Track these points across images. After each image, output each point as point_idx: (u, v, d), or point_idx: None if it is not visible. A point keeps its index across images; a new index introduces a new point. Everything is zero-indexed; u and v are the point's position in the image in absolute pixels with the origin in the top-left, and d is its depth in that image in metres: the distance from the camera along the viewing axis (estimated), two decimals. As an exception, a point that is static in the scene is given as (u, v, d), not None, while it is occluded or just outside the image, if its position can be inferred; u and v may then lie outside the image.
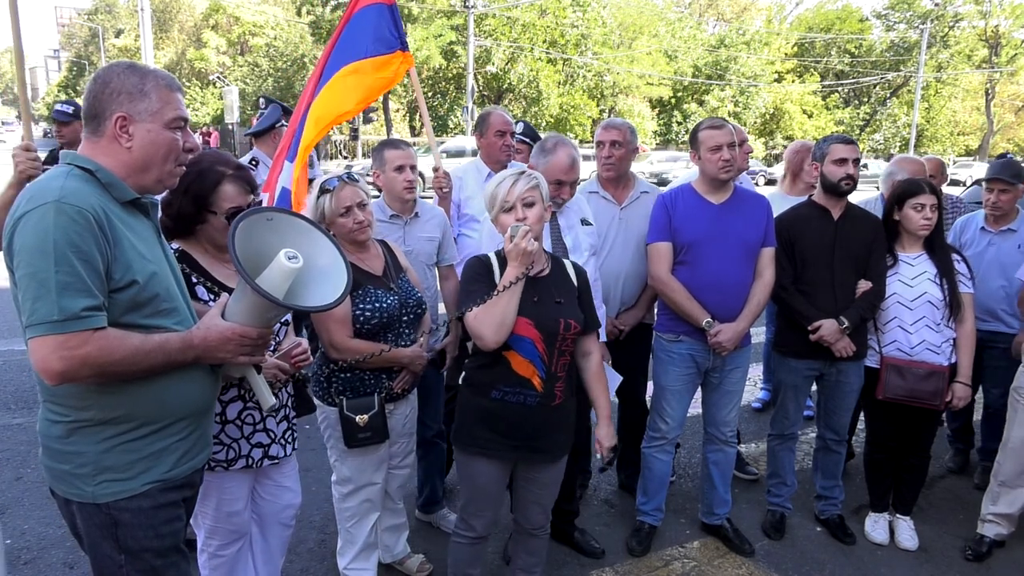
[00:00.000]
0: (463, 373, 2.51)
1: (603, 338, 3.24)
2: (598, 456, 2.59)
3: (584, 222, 3.11)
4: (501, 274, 2.38)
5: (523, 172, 2.40)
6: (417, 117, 35.03)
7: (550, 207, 2.47)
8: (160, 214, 1.97)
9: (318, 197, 2.55)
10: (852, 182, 3.22)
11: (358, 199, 2.58)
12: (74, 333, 1.51)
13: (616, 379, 3.31)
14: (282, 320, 2.41)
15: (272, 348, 2.36)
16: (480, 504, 2.49)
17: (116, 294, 1.59)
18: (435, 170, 3.60)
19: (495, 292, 2.28)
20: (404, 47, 3.80)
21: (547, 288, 2.41)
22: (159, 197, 1.91)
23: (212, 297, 2.16)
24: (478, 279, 2.40)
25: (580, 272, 2.56)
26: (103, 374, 1.58)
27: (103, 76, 1.67)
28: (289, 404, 2.48)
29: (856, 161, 3.22)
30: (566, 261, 2.58)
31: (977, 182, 9.49)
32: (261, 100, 5.28)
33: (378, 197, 3.14)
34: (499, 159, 3.71)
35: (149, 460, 1.70)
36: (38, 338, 1.51)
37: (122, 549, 1.69)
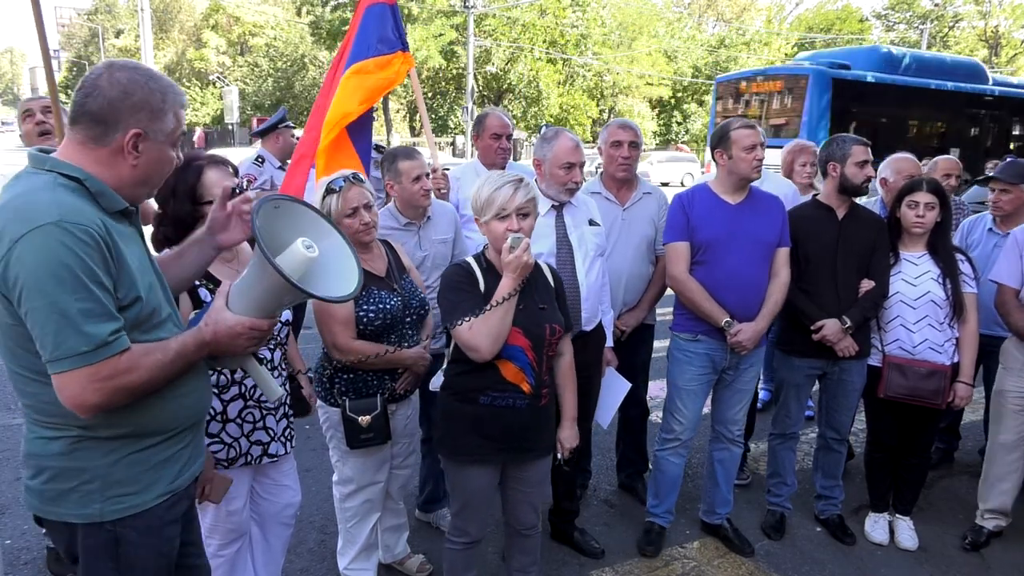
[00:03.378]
0: (443, 380, 2.48)
1: (610, 342, 3.25)
2: (559, 456, 2.56)
3: (591, 223, 3.10)
4: (485, 279, 2.34)
5: (522, 180, 2.33)
6: (417, 118, 35.03)
7: (537, 215, 2.43)
8: (152, 230, 1.95)
9: (324, 197, 2.55)
10: (869, 183, 3.28)
11: (364, 200, 2.57)
12: (105, 361, 1.44)
13: (624, 386, 3.31)
14: (283, 320, 2.41)
15: (273, 346, 2.36)
16: (474, 510, 2.48)
17: (121, 313, 1.50)
18: (433, 171, 3.60)
19: (490, 305, 2.22)
20: (405, 47, 3.80)
21: (530, 294, 2.38)
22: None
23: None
24: (463, 288, 2.34)
25: (556, 274, 2.56)
26: (135, 395, 1.52)
27: (124, 83, 1.52)
28: (287, 402, 2.49)
29: (873, 163, 3.27)
30: (542, 263, 2.55)
31: (976, 182, 9.44)
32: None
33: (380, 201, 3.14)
34: (495, 162, 3.69)
35: (156, 470, 1.63)
36: (67, 372, 1.42)
37: (121, 569, 1.61)
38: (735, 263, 3.07)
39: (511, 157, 3.84)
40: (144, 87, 1.54)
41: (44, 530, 3.03)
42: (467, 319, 2.23)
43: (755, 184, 3.19)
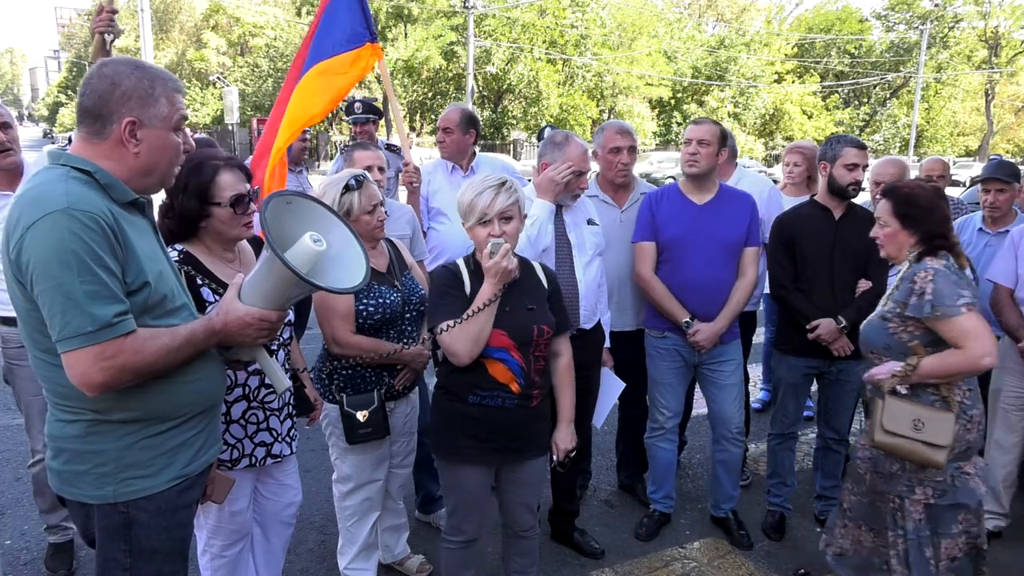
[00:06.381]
0: (436, 380, 2.49)
1: (607, 343, 3.25)
2: (554, 458, 2.55)
3: (590, 222, 3.11)
4: (472, 282, 2.33)
5: (504, 183, 2.30)
6: (416, 117, 35.04)
7: (525, 216, 2.43)
8: (158, 220, 1.96)
9: (342, 195, 2.55)
10: (858, 187, 3.27)
11: (379, 198, 2.63)
12: (110, 341, 1.49)
13: (619, 386, 3.32)
14: (286, 321, 2.41)
15: (277, 347, 2.37)
16: (468, 511, 2.47)
17: (130, 297, 1.56)
18: (405, 164, 3.68)
19: (470, 310, 2.22)
20: (374, 38, 3.75)
21: (518, 295, 2.35)
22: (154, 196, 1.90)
23: (217, 299, 2.17)
24: (448, 292, 2.33)
25: (550, 274, 2.54)
26: (141, 376, 1.56)
27: (110, 76, 1.59)
28: (291, 402, 2.49)
29: (865, 167, 3.27)
30: (535, 263, 2.53)
31: (975, 182, 9.45)
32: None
33: None
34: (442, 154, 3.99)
35: (170, 455, 1.68)
36: (74, 351, 1.48)
37: (133, 551, 1.65)
38: (695, 264, 3.15)
39: (474, 151, 4.05)
40: (130, 76, 1.60)
41: (46, 525, 3.04)
42: (447, 324, 2.23)
43: (730, 182, 3.23)
